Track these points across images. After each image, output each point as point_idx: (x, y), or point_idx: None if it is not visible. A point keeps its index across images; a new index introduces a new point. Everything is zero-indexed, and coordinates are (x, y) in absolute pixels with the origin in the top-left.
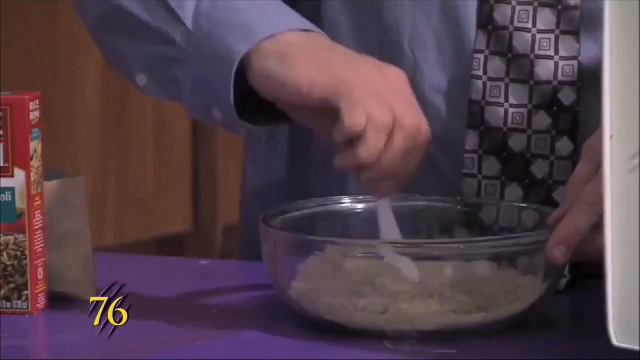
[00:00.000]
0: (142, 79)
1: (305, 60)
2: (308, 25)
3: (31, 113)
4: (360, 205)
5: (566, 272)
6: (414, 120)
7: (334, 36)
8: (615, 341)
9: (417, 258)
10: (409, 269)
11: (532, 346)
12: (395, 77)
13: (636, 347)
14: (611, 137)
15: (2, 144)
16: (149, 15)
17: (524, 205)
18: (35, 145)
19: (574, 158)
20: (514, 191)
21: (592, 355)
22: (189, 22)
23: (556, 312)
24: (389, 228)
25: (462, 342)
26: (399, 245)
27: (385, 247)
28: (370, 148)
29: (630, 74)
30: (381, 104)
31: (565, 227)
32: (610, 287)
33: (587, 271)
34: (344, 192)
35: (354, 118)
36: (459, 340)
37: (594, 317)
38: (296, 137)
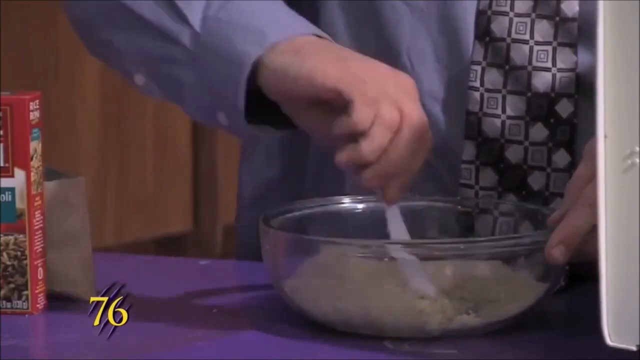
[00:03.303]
0: (140, 79)
1: (320, 53)
2: (320, 32)
3: (31, 113)
4: (360, 205)
5: (562, 278)
6: (421, 120)
7: None
8: (609, 341)
9: (418, 258)
10: (425, 285)
11: (531, 346)
12: (406, 80)
13: (631, 347)
14: (605, 137)
15: (2, 144)
16: (151, 12)
17: (525, 205)
18: (35, 145)
19: (570, 170)
20: None
21: (591, 355)
22: (196, 23)
23: (555, 312)
24: (400, 236)
25: (462, 342)
26: (401, 245)
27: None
28: (374, 143)
29: (623, 73)
30: (391, 104)
31: (565, 227)
32: (604, 286)
33: (586, 274)
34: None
35: (363, 114)
36: (459, 340)
37: (592, 317)
38: (293, 142)
